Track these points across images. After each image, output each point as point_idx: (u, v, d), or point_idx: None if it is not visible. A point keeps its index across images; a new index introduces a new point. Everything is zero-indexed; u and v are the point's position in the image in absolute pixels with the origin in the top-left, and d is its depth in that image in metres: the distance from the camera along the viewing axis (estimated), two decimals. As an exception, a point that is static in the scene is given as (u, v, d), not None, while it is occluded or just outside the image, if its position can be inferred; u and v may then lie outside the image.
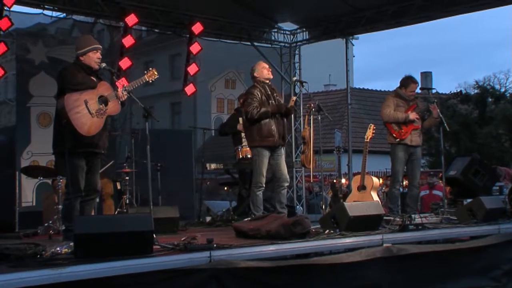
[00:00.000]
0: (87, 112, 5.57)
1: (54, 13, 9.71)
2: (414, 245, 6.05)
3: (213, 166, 9.20)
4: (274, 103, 7.31)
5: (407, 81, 8.25)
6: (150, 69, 6.06)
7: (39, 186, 9.36)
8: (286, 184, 7.42)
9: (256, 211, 7.11)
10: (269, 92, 7.35)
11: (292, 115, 10.78)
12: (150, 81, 6.01)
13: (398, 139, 8.05)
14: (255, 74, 7.44)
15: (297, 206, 12.95)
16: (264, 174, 7.22)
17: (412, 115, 8.07)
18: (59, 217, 7.07)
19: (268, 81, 7.46)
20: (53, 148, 5.87)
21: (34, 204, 9.48)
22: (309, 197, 16.64)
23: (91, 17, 10.51)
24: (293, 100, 7.61)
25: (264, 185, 7.24)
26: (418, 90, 8.79)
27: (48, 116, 9.60)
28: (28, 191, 9.44)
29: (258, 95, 7.24)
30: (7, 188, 9.07)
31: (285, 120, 7.45)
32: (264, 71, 7.43)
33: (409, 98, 8.25)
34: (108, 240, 4.39)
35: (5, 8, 8.61)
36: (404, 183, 9.01)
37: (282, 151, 7.45)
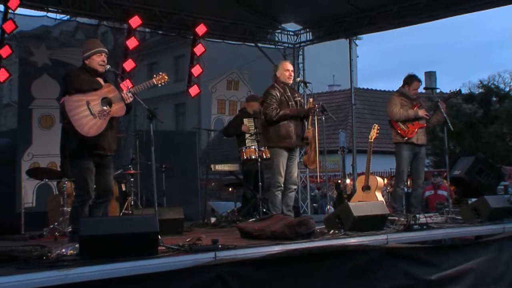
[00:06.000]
0: (88, 113, 5.51)
1: (58, 16, 9.72)
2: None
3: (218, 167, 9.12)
4: (295, 106, 7.21)
5: (411, 79, 8.21)
6: (160, 73, 5.97)
7: (40, 187, 9.38)
8: (294, 187, 7.41)
9: (274, 211, 7.02)
10: (289, 93, 7.24)
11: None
12: (159, 85, 5.98)
13: (405, 138, 8.00)
14: (277, 74, 7.30)
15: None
16: (282, 174, 7.17)
17: (421, 112, 8.04)
18: (64, 218, 7.09)
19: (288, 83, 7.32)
20: (60, 150, 5.87)
21: (34, 205, 9.48)
22: (317, 198, 16.67)
23: (95, 19, 10.55)
24: (310, 102, 7.37)
25: (282, 185, 7.18)
26: (422, 90, 8.78)
27: (50, 118, 9.62)
28: (28, 192, 9.42)
29: (277, 96, 7.13)
30: (11, 190, 9.09)
31: (304, 121, 7.35)
32: (285, 73, 7.27)
33: (413, 97, 8.22)
34: (113, 241, 4.39)
35: (10, 11, 8.64)
36: (408, 183, 9.00)
37: (297, 153, 7.40)
